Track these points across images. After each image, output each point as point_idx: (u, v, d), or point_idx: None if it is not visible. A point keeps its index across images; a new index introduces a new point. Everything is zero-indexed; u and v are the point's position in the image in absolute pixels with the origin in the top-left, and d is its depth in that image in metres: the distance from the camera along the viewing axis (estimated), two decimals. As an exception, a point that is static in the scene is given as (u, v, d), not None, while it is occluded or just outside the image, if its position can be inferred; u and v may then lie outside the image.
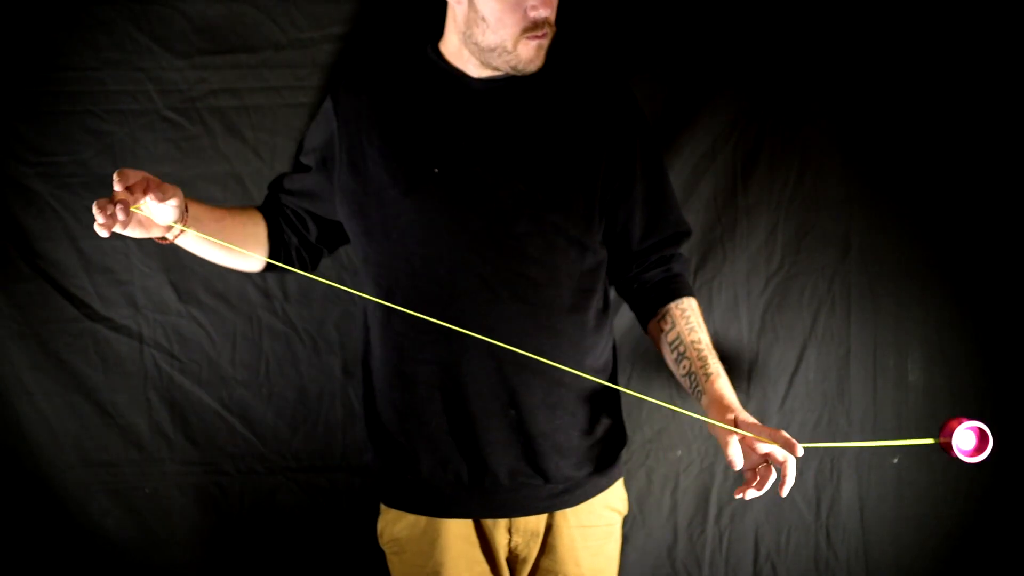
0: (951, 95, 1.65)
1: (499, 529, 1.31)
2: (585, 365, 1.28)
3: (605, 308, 1.35)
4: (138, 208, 1.03)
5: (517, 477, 1.27)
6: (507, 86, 1.24)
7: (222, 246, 1.20)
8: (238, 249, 1.22)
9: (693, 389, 1.22)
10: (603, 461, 1.34)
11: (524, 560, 1.34)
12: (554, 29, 1.19)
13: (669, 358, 1.29)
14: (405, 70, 1.28)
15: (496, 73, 1.23)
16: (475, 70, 1.24)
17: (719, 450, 1.72)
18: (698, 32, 1.60)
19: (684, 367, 1.24)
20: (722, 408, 1.14)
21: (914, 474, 1.76)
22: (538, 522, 1.32)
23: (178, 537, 1.68)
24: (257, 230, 1.30)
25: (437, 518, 1.30)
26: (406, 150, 1.22)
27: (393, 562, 1.36)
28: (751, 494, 1.04)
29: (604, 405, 1.34)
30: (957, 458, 1.09)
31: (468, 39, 1.19)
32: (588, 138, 1.26)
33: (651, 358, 1.70)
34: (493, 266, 1.21)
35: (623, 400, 1.62)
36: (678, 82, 1.61)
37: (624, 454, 1.43)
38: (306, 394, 1.66)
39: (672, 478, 1.74)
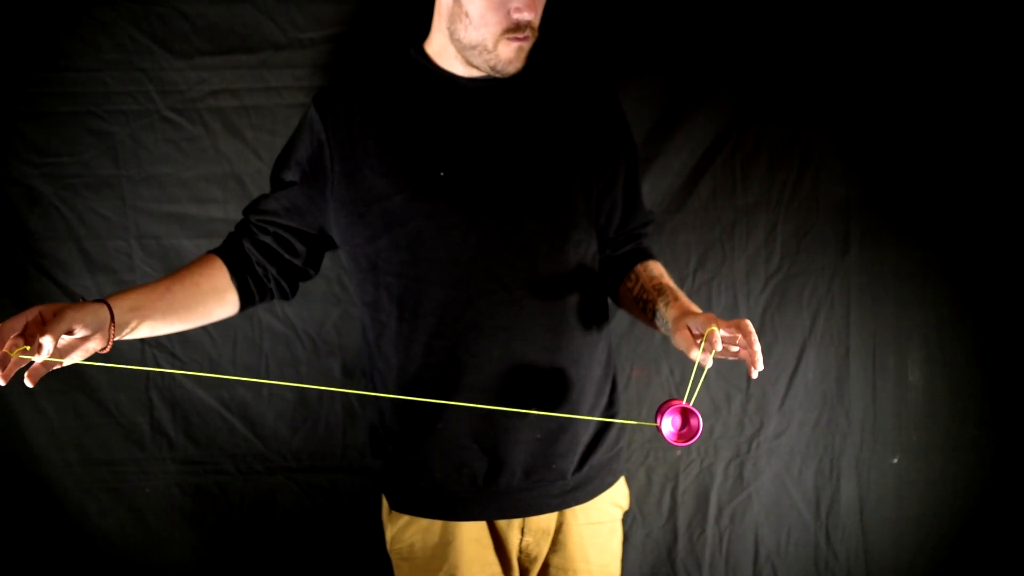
0: (951, 95, 1.65)
1: (512, 530, 1.31)
2: (595, 355, 1.30)
3: (603, 297, 1.36)
4: (24, 352, 0.91)
5: (532, 475, 1.27)
6: (496, 86, 1.24)
7: (176, 320, 1.17)
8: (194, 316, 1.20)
9: (662, 324, 1.22)
10: (611, 456, 1.35)
11: (535, 559, 1.34)
12: (536, 34, 1.19)
13: (635, 310, 1.31)
14: (392, 74, 1.27)
15: (482, 73, 1.23)
16: (462, 69, 1.23)
17: (719, 450, 1.73)
18: (698, 32, 1.60)
19: (649, 309, 1.25)
20: (688, 313, 1.14)
21: (914, 474, 1.75)
22: (549, 520, 1.32)
23: (178, 537, 1.69)
24: (214, 281, 1.23)
25: (451, 521, 1.29)
26: (407, 156, 1.21)
27: (402, 568, 1.35)
28: (759, 363, 1.05)
29: (611, 398, 1.36)
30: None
31: (451, 35, 1.19)
32: (580, 134, 1.27)
33: (650, 358, 1.71)
34: (508, 266, 1.22)
35: (623, 400, 1.62)
36: (678, 82, 1.61)
37: (624, 452, 1.43)
38: (306, 394, 1.67)
39: (672, 478, 1.74)
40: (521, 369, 1.23)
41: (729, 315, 1.69)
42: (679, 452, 1.73)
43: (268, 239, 1.27)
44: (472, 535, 1.30)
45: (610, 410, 1.35)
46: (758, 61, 1.62)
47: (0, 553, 1.66)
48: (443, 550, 1.29)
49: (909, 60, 1.63)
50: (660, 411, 1.12)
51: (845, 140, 1.66)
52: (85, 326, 0.99)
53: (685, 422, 1.11)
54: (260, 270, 1.27)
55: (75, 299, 1.58)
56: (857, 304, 1.71)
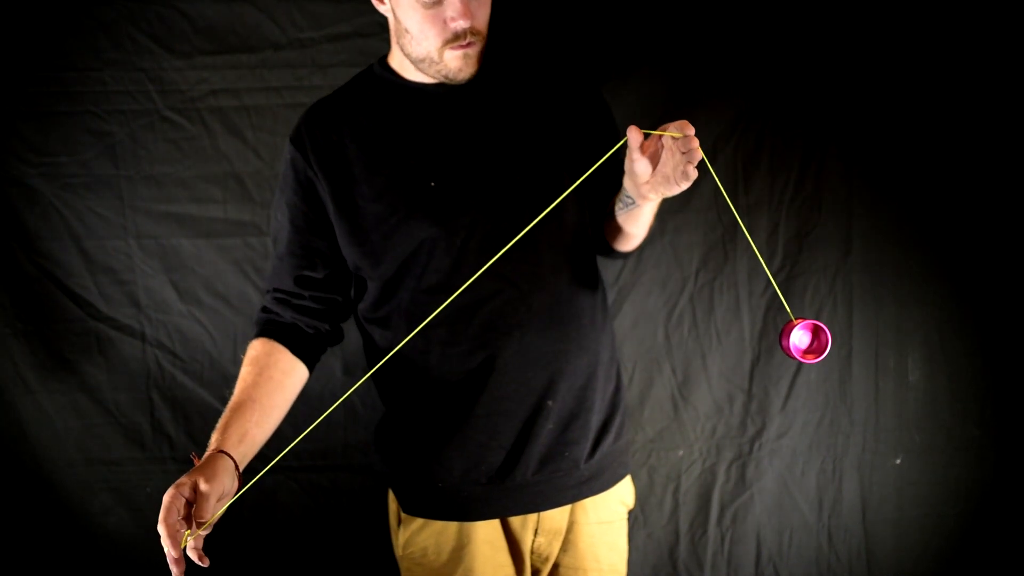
0: (951, 95, 1.64)
1: (526, 530, 1.31)
2: (602, 339, 1.30)
3: (602, 280, 1.36)
4: (188, 537, 0.95)
5: (547, 466, 1.27)
6: (465, 88, 1.22)
7: (273, 425, 1.20)
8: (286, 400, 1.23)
9: (624, 195, 1.19)
10: (620, 447, 1.35)
11: (546, 559, 1.34)
12: (483, 37, 1.18)
13: (621, 220, 1.26)
14: (362, 94, 1.26)
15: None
16: (426, 78, 1.22)
17: (721, 451, 1.73)
18: (699, 32, 1.60)
19: (619, 198, 1.22)
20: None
21: (916, 475, 1.75)
22: (561, 520, 1.32)
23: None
24: (283, 366, 1.23)
25: (466, 522, 1.29)
26: (394, 174, 1.20)
27: (414, 572, 1.33)
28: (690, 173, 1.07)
29: (618, 385, 1.36)
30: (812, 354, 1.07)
31: (402, 50, 1.19)
32: (557, 118, 1.25)
33: (652, 357, 1.70)
34: (512, 263, 1.21)
35: (623, 400, 1.62)
36: (678, 82, 1.61)
37: (631, 446, 1.42)
38: (307, 394, 1.65)
39: (674, 479, 1.74)
40: (536, 363, 1.24)
41: (732, 316, 1.69)
42: (681, 452, 1.73)
43: (306, 301, 1.26)
44: (486, 537, 1.29)
45: (617, 394, 1.35)
46: (759, 61, 1.61)
47: (2, 552, 1.67)
48: (458, 553, 1.29)
49: (910, 60, 1.63)
50: (785, 330, 1.06)
51: (846, 140, 1.65)
52: (227, 491, 1.03)
53: (815, 338, 1.06)
54: (311, 331, 1.27)
55: (77, 300, 1.60)
56: (859, 304, 1.70)
